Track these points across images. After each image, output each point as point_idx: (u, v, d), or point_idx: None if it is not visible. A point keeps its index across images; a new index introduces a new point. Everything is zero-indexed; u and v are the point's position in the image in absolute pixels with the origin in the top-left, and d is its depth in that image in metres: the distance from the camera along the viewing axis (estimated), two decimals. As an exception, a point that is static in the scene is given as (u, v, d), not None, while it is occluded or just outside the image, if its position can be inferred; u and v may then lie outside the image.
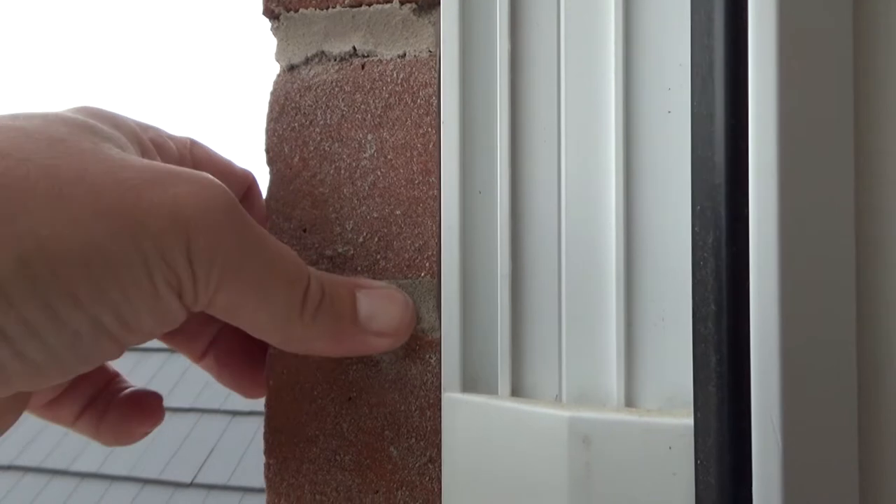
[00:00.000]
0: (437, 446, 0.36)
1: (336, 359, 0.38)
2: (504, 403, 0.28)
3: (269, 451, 0.39)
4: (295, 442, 0.39)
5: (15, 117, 0.29)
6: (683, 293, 0.24)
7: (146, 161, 0.29)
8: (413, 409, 0.37)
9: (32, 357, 0.26)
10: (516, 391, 0.29)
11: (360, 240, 0.37)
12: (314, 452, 0.38)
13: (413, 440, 0.37)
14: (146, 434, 0.40)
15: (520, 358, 0.30)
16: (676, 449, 0.23)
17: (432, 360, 0.36)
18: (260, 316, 0.31)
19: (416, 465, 0.36)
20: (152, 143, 0.35)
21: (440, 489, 0.36)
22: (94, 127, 0.30)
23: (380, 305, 0.33)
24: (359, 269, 0.37)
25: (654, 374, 0.26)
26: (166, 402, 0.40)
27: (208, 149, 0.40)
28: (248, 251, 0.29)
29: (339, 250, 0.37)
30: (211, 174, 0.31)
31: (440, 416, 0.36)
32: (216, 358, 0.40)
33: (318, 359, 0.38)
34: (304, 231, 0.38)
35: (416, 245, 0.36)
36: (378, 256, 0.36)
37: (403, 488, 0.37)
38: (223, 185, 0.29)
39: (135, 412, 0.38)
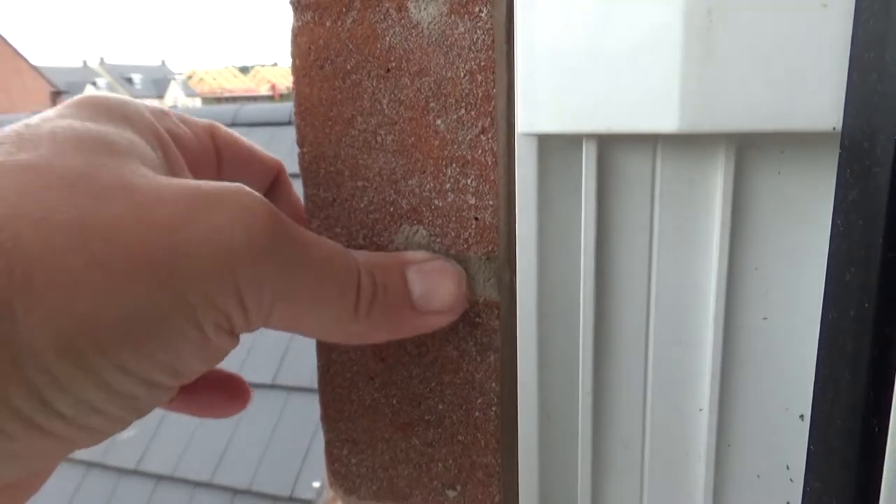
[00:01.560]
0: (490, 115, 0.32)
1: (370, 26, 0.33)
2: None
3: (301, 139, 0.36)
4: (330, 125, 0.35)
5: (19, 144, 0.24)
6: None
7: (175, 184, 0.25)
8: (461, 73, 0.32)
9: (93, 425, 0.24)
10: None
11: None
12: (352, 135, 0.34)
13: (462, 110, 0.33)
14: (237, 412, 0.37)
15: None
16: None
17: (482, 14, 0.31)
18: (316, 323, 0.29)
19: (467, 137, 0.33)
20: (170, 135, 0.30)
21: (495, 162, 0.32)
22: (109, 139, 0.26)
23: (432, 282, 0.32)
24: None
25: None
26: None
27: (232, 135, 0.35)
28: (297, 269, 0.27)
29: None
30: (235, 163, 0.30)
31: (493, 80, 0.32)
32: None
33: (349, 27, 0.33)
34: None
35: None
36: None
37: (453, 165, 0.33)
38: (260, 198, 0.26)
39: (220, 400, 0.36)
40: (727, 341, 0.25)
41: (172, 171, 0.29)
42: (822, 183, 0.22)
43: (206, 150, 0.33)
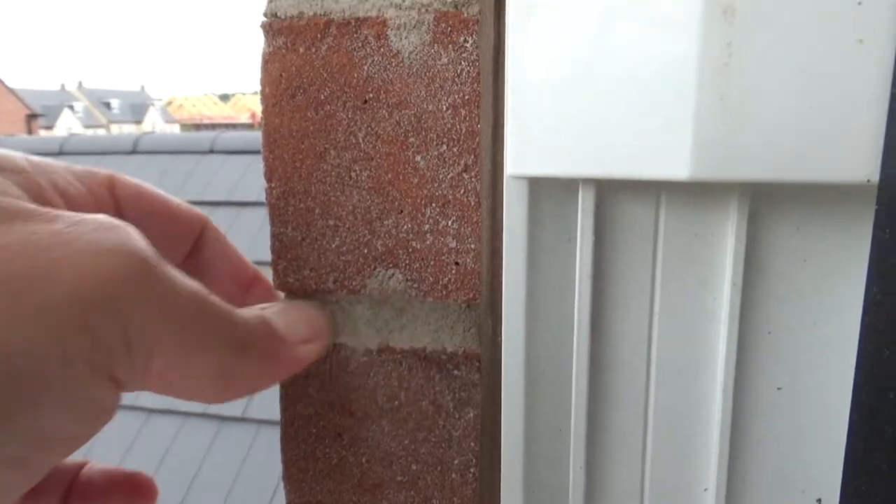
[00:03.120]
0: (474, 152, 0.30)
1: (346, 54, 0.31)
2: None
3: (269, 173, 0.33)
4: (301, 159, 0.32)
5: None
6: None
7: (24, 230, 0.22)
8: (444, 107, 0.30)
9: None
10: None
11: None
12: (324, 170, 0.32)
13: (444, 146, 0.30)
14: None
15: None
16: (868, 4, 0.16)
17: (468, 45, 0.29)
18: (201, 365, 0.26)
19: (449, 176, 0.30)
20: (54, 189, 0.27)
21: (478, 203, 0.30)
22: None
23: (289, 316, 0.31)
24: None
25: None
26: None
27: (138, 188, 0.31)
28: (176, 303, 0.25)
29: None
30: (141, 221, 0.26)
31: (478, 115, 0.29)
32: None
33: (324, 55, 0.31)
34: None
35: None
36: None
37: (433, 204, 0.31)
38: (129, 236, 0.24)
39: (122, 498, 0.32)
40: (736, 414, 0.22)
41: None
42: (850, 239, 0.20)
43: (101, 205, 0.30)
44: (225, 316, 0.27)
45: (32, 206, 0.24)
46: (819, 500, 0.22)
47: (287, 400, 0.34)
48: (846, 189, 0.19)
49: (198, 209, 0.33)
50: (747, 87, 0.18)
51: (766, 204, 0.21)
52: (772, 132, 0.18)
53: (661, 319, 0.23)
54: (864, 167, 0.18)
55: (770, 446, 0.23)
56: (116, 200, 0.30)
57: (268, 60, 0.32)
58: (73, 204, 0.28)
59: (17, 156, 0.27)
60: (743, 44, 0.18)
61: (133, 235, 0.24)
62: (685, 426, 0.24)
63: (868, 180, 0.18)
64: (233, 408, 2.88)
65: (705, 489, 0.23)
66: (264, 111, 0.32)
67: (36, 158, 0.28)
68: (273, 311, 0.30)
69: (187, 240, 0.33)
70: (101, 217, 0.24)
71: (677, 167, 0.19)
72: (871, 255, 0.17)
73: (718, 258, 0.22)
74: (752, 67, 0.18)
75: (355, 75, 0.31)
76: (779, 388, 0.22)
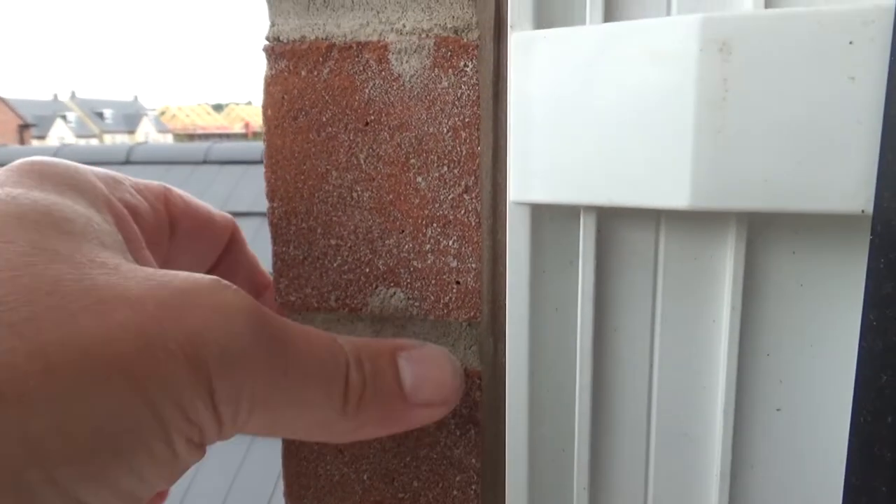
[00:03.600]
0: (474, 173, 0.30)
1: (348, 77, 0.31)
2: (598, 27, 0.21)
3: (271, 193, 0.33)
4: (303, 180, 0.32)
5: None
6: None
7: (142, 276, 0.22)
8: (444, 129, 0.30)
9: None
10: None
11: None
12: (326, 191, 0.32)
13: (445, 168, 0.31)
14: None
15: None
16: (859, 44, 0.17)
17: (468, 69, 0.30)
18: (299, 427, 0.26)
19: (449, 196, 0.31)
20: (125, 207, 0.27)
21: (478, 223, 0.30)
22: (60, 214, 0.22)
23: (425, 373, 0.28)
24: None
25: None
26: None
27: (185, 199, 0.32)
28: (280, 371, 0.23)
29: None
30: (190, 231, 0.28)
31: (478, 137, 0.30)
32: None
33: (325, 78, 0.32)
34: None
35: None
36: None
37: (434, 225, 0.31)
38: (240, 293, 0.23)
39: None
40: (737, 436, 0.23)
41: (132, 251, 0.26)
42: (845, 264, 0.21)
43: (160, 221, 0.30)
44: (335, 363, 0.26)
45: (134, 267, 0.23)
46: (820, 522, 0.22)
47: (289, 418, 0.35)
48: (841, 218, 0.19)
49: (227, 214, 0.34)
50: (743, 121, 0.19)
51: (763, 231, 0.22)
52: (768, 164, 0.19)
53: (661, 341, 0.24)
54: (859, 198, 0.18)
55: (770, 468, 0.23)
56: (171, 214, 0.31)
57: (270, 83, 0.32)
58: (138, 217, 0.28)
59: (91, 174, 0.26)
60: (738, 79, 0.19)
61: (246, 296, 0.23)
62: (687, 447, 0.24)
63: (862, 211, 0.18)
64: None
65: (707, 511, 0.24)
66: (266, 133, 0.33)
67: (105, 173, 0.28)
68: (409, 357, 0.28)
69: (221, 244, 0.34)
70: (211, 279, 0.23)
71: (677, 196, 0.20)
72: (867, 284, 0.18)
73: (717, 283, 0.23)
74: (747, 102, 0.19)
75: (357, 98, 0.31)
76: (778, 410, 0.22)
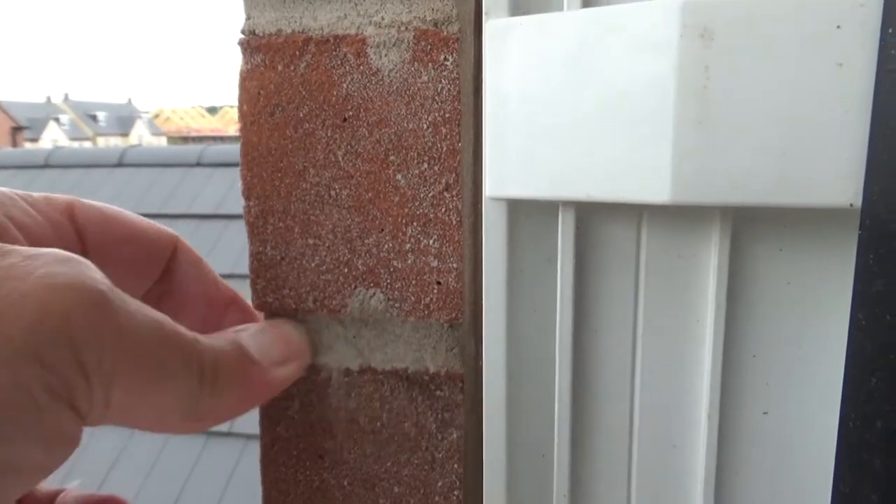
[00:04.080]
0: (455, 171, 0.29)
1: (325, 71, 0.30)
2: (576, 13, 0.21)
3: (247, 192, 0.32)
4: (279, 177, 0.32)
5: None
6: None
7: None
8: (424, 125, 0.29)
9: None
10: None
11: None
12: (303, 189, 0.31)
13: (425, 165, 0.30)
14: None
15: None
16: (847, 28, 0.16)
17: (448, 63, 0.29)
18: (162, 403, 0.26)
19: (430, 194, 0.30)
20: (13, 223, 0.26)
21: (459, 222, 0.29)
22: None
23: (266, 337, 0.30)
24: None
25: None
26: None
27: (101, 209, 0.30)
28: (135, 337, 0.24)
29: None
30: (106, 247, 0.27)
31: (459, 133, 0.29)
32: None
33: (302, 72, 0.31)
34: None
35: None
36: None
37: (414, 223, 0.30)
38: (82, 269, 0.23)
39: None
40: (722, 440, 0.22)
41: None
42: (833, 261, 0.20)
43: (62, 235, 0.29)
44: (188, 344, 0.26)
45: None
46: (806, 526, 0.22)
47: (267, 421, 0.34)
48: (829, 212, 0.18)
49: (169, 229, 0.32)
50: (726, 111, 0.18)
51: (748, 226, 0.21)
52: (752, 155, 0.18)
53: (644, 342, 0.23)
54: (847, 191, 0.17)
55: (757, 473, 0.22)
56: (78, 228, 0.29)
57: (245, 78, 0.32)
58: (31, 236, 0.27)
59: None
60: (721, 67, 0.18)
61: (86, 268, 0.23)
62: (670, 451, 0.23)
63: (851, 204, 0.17)
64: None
65: (691, 514, 0.23)
66: (242, 129, 0.32)
67: None
68: (248, 334, 0.29)
69: (159, 261, 0.32)
70: (54, 251, 0.23)
71: (657, 190, 0.19)
72: (856, 281, 0.17)
73: (701, 281, 0.22)
74: (730, 91, 0.18)
75: (334, 93, 0.30)
76: (765, 413, 0.21)
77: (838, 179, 0.17)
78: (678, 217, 0.22)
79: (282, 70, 0.31)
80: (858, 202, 0.17)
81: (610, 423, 0.24)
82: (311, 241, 0.32)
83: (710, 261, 0.21)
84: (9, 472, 0.21)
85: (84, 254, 0.29)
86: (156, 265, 0.32)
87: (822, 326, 0.21)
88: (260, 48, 0.31)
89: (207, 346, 0.27)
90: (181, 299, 0.32)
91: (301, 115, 0.31)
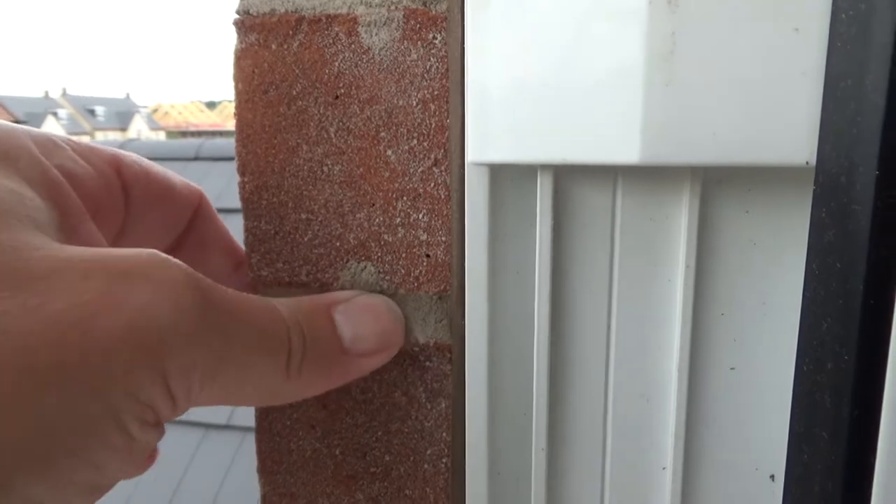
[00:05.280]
0: (443, 146, 0.30)
1: (318, 50, 0.31)
2: None
3: (242, 168, 0.33)
4: (273, 154, 0.33)
5: None
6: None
7: (77, 258, 0.21)
8: (414, 102, 0.30)
9: None
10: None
11: None
12: (296, 164, 0.32)
13: (414, 141, 0.31)
14: None
15: None
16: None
17: (437, 41, 0.30)
18: (246, 393, 0.26)
19: (419, 170, 0.31)
20: (65, 174, 0.25)
21: (448, 196, 0.30)
22: None
23: (361, 322, 0.29)
24: None
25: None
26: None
27: (142, 165, 0.30)
28: (227, 343, 0.23)
29: None
30: (146, 200, 0.27)
31: (447, 110, 0.30)
32: None
33: (295, 51, 0.32)
34: None
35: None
36: None
37: (404, 198, 0.31)
38: (181, 266, 0.22)
39: None
40: (692, 394, 0.23)
41: (70, 227, 0.24)
42: (795, 222, 0.21)
43: (110, 188, 0.28)
44: (277, 332, 0.25)
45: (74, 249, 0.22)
46: (772, 476, 0.23)
47: (261, 393, 0.35)
48: (790, 172, 0.19)
49: (194, 185, 0.34)
50: (691, 75, 0.19)
51: (717, 188, 0.22)
52: (716, 117, 0.19)
53: (618, 302, 0.24)
54: (804, 150, 0.18)
55: (725, 425, 0.23)
56: (124, 182, 0.29)
57: (240, 57, 0.32)
58: (82, 188, 0.26)
59: (25, 138, 0.25)
60: (686, 33, 0.19)
61: (182, 271, 0.22)
62: (643, 407, 0.24)
63: (807, 163, 0.18)
64: (217, 415, 2.86)
65: (663, 468, 0.24)
66: (237, 107, 0.33)
67: (41, 136, 0.26)
68: (346, 316, 0.28)
69: (185, 215, 0.33)
70: (147, 252, 0.22)
71: (628, 152, 0.20)
72: (810, 234, 0.18)
73: (672, 242, 0.23)
74: (695, 55, 0.19)
75: (326, 71, 0.31)
76: (732, 369, 0.22)
77: (795, 140, 0.18)
78: (651, 179, 0.23)
79: (275, 49, 0.32)
80: (813, 160, 0.18)
81: (586, 379, 0.25)
82: (303, 216, 0.33)
83: (680, 222, 0.22)
84: (95, 491, 0.21)
85: (127, 207, 0.30)
86: (184, 217, 0.33)
87: (785, 285, 0.22)
88: (254, 27, 0.32)
89: (296, 331, 0.26)
90: (200, 250, 0.33)
91: (294, 92, 0.32)
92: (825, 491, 0.17)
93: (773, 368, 0.22)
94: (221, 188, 3.78)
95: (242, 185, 0.33)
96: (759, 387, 0.22)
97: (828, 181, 0.17)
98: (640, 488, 0.25)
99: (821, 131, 0.18)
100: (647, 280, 0.23)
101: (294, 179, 0.32)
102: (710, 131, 0.19)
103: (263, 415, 0.35)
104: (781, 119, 0.18)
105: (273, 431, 0.35)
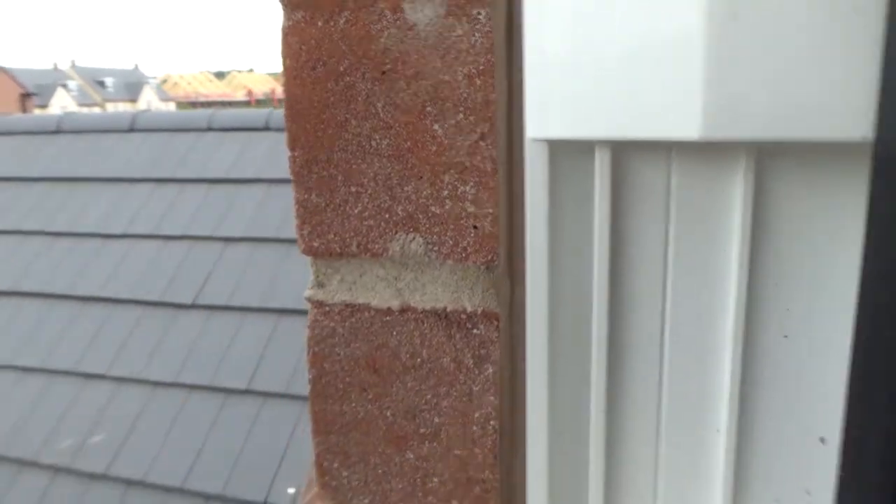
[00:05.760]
0: (490, 120, 0.31)
1: (364, 26, 0.32)
2: None
3: (292, 142, 0.34)
4: (322, 129, 0.33)
5: None
6: None
7: None
8: (459, 77, 0.31)
9: None
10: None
11: None
12: (345, 139, 0.33)
13: (461, 115, 0.31)
14: None
15: None
16: None
17: (481, 17, 0.30)
18: None
19: (466, 143, 0.32)
20: None
21: (494, 169, 0.31)
22: None
23: None
24: None
25: None
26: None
27: None
28: None
29: None
30: None
31: (492, 84, 0.31)
32: None
33: (342, 27, 0.32)
34: None
35: None
36: None
37: (451, 171, 0.32)
38: None
39: None
40: (746, 360, 0.24)
41: None
42: (851, 195, 0.22)
43: None
44: None
45: None
46: (822, 439, 0.24)
47: (314, 358, 0.36)
48: (846, 147, 0.20)
49: None
50: (752, 49, 0.19)
51: (771, 163, 0.23)
52: (775, 92, 0.20)
53: (674, 273, 0.25)
54: (861, 126, 0.19)
55: (777, 390, 0.24)
56: None
57: (287, 34, 0.33)
58: None
59: None
60: (748, 5, 0.19)
61: None
62: (698, 373, 0.25)
63: (864, 138, 0.19)
64: (238, 380, 2.90)
65: (717, 430, 0.25)
66: (285, 83, 0.34)
67: None
68: None
69: None
70: None
71: (688, 127, 0.21)
72: (869, 206, 0.19)
73: (727, 214, 0.24)
74: (757, 27, 0.19)
75: (373, 47, 0.32)
76: (785, 336, 0.23)
77: (853, 115, 0.19)
78: (706, 154, 0.23)
79: (322, 26, 0.33)
80: (871, 136, 0.19)
81: (643, 346, 0.26)
82: (353, 189, 0.34)
83: (735, 195, 0.23)
84: None
85: None
86: None
87: (838, 255, 0.23)
88: (300, 5, 0.33)
89: None
90: None
91: (341, 68, 0.33)
92: (881, 454, 0.18)
93: (826, 336, 0.23)
94: (234, 158, 3.79)
95: (293, 159, 0.34)
96: (811, 354, 0.24)
97: (886, 154, 0.18)
98: (694, 449, 0.26)
99: (879, 108, 0.18)
100: (703, 251, 0.24)
101: (343, 153, 0.33)
102: (769, 107, 0.20)
103: (317, 378, 0.36)
104: (839, 95, 0.19)
105: (326, 394, 0.36)
